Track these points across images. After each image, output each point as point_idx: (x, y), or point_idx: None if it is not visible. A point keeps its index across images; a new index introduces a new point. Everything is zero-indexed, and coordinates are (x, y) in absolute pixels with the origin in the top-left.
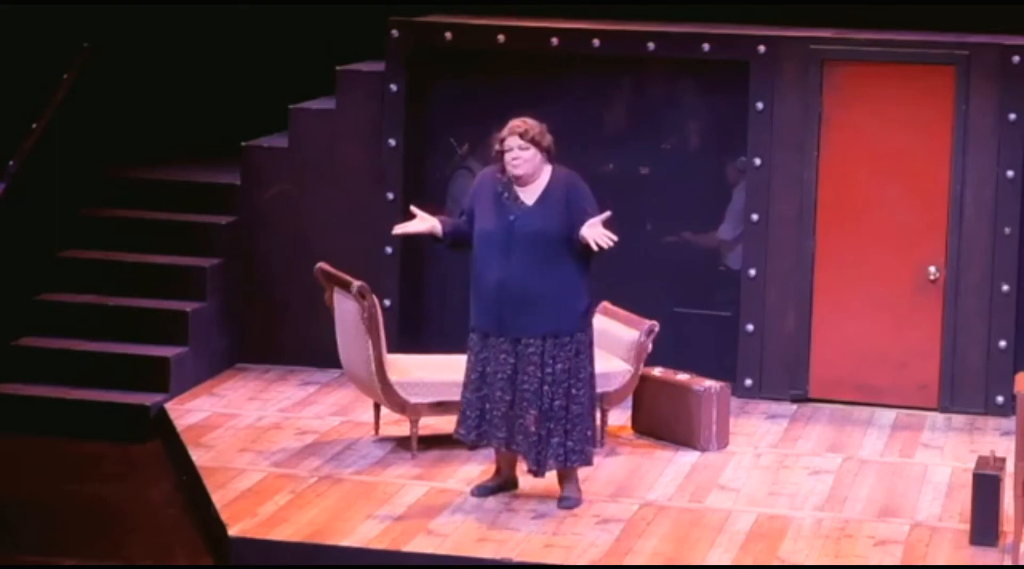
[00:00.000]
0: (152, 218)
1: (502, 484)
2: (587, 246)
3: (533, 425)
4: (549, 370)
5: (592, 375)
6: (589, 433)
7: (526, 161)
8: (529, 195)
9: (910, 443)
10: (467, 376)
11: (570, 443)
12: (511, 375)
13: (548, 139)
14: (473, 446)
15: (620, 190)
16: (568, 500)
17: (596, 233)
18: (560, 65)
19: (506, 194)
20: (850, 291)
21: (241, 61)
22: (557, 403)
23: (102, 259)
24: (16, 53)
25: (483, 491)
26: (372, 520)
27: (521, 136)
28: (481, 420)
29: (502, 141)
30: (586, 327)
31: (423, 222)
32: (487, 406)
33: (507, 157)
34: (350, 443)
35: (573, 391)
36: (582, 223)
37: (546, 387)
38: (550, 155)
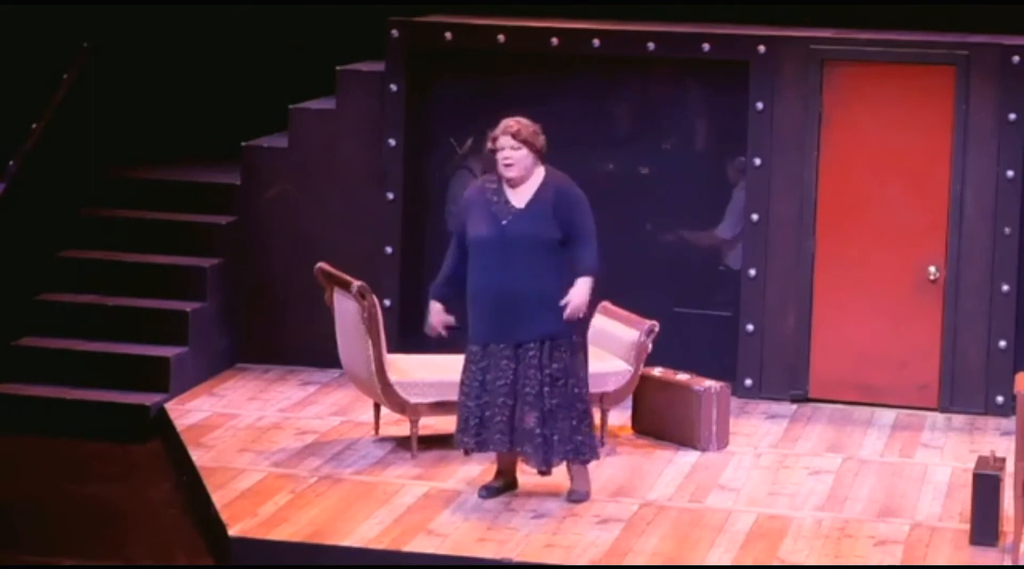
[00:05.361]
0: (152, 218)
1: (506, 485)
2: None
3: (537, 427)
4: (548, 371)
5: (587, 375)
6: (591, 429)
7: (518, 162)
8: (519, 198)
9: (910, 443)
10: (466, 385)
11: (579, 437)
12: (512, 380)
13: (541, 140)
14: (469, 452)
15: (620, 190)
16: (577, 493)
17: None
18: (560, 65)
19: (495, 199)
20: (850, 291)
21: (241, 61)
22: (555, 402)
23: (102, 259)
24: (16, 53)
25: (490, 492)
26: (372, 520)
27: (514, 136)
28: (481, 427)
29: (494, 140)
30: (583, 330)
31: (442, 324)
32: (486, 414)
33: (499, 156)
34: (350, 443)
35: (575, 390)
36: (571, 230)
37: (546, 389)
38: (542, 156)
